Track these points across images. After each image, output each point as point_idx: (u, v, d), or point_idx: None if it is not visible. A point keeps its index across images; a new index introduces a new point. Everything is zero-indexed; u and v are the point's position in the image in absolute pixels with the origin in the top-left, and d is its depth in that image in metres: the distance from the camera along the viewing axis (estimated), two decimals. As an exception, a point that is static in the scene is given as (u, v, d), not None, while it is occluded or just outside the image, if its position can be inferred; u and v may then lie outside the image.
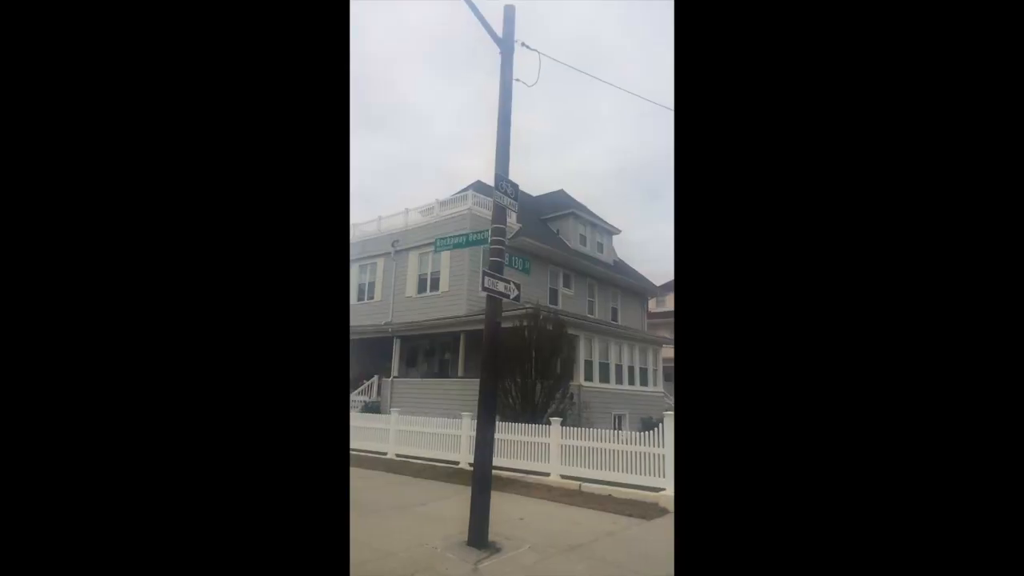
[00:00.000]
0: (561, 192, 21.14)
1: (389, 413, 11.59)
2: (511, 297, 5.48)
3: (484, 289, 5.17)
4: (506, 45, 5.90)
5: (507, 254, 5.67)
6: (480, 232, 5.81)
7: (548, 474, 8.37)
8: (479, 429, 5.28)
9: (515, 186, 5.68)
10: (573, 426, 8.99)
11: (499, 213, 5.52)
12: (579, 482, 7.92)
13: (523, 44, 6.13)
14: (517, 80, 5.88)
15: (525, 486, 7.98)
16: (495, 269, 5.38)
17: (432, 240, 15.74)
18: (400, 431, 10.88)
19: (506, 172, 5.60)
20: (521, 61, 6.02)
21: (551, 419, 8.83)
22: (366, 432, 11.46)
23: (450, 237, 6.08)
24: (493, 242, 5.47)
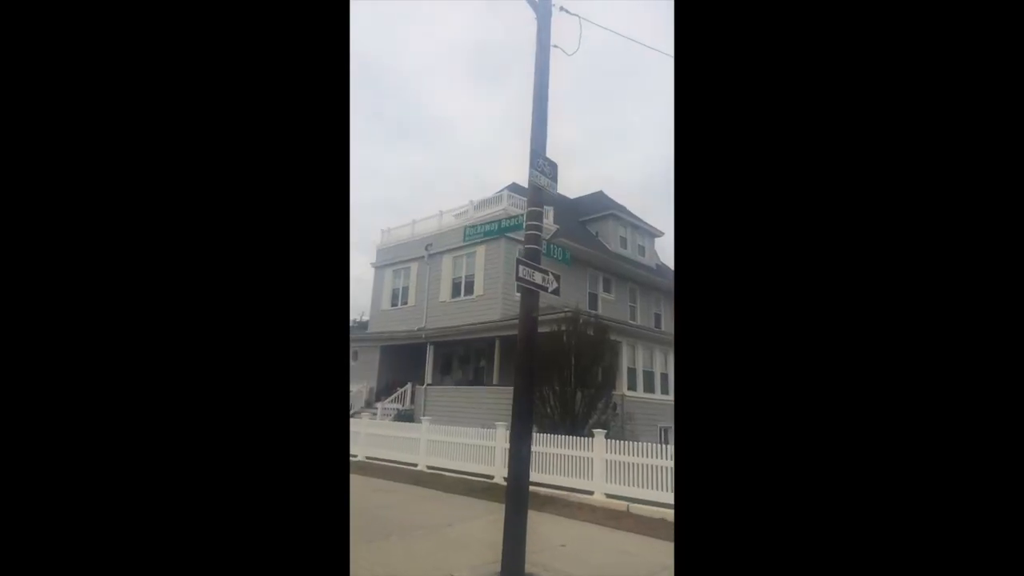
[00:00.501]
0: (600, 193, 20.32)
1: (422, 422, 11.01)
2: (550, 290, 4.77)
3: (519, 280, 4.49)
4: (543, 7, 5.25)
5: (545, 242, 4.97)
6: (514, 217, 5.14)
7: (592, 492, 7.55)
8: (513, 441, 4.58)
9: (553, 165, 5.00)
10: (617, 439, 8.13)
11: (535, 195, 4.84)
12: (627, 502, 7.08)
13: (562, 8, 5.48)
14: (555, 47, 5.21)
15: (566, 505, 7.19)
16: (531, 258, 4.70)
17: (467, 242, 15.56)
18: (431, 441, 10.26)
19: (543, 148, 4.92)
20: (558, 66, 5.36)
21: (594, 431, 8.01)
22: (396, 442, 10.91)
23: (481, 225, 5.42)
24: (528, 227, 4.78)
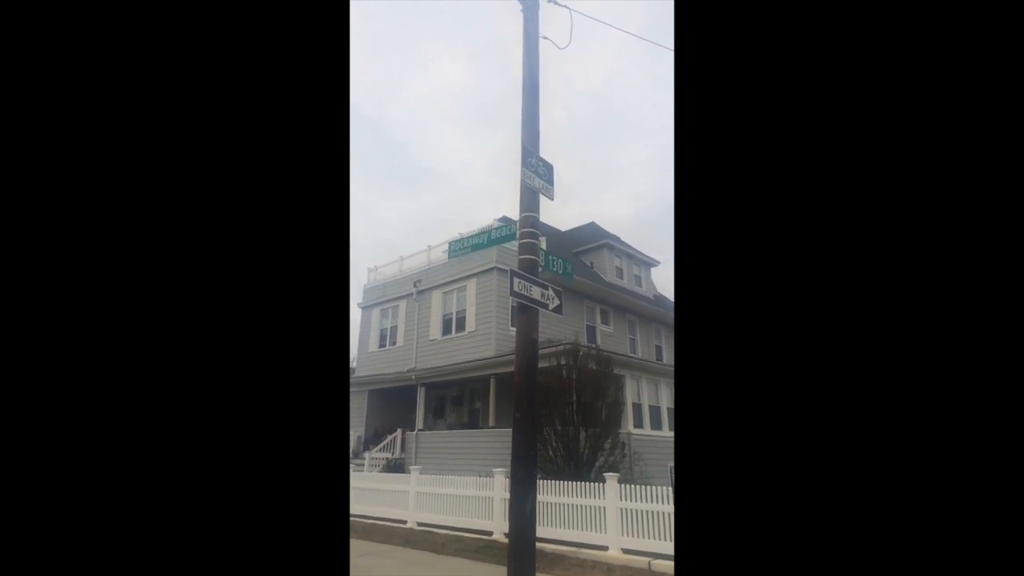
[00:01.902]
0: (592, 224, 19.87)
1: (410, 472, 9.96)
2: (551, 307, 4.04)
3: (513, 294, 3.75)
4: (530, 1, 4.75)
5: (542, 252, 4.26)
6: (505, 227, 4.43)
7: (606, 547, 6.56)
8: (514, 491, 3.74)
9: (548, 166, 4.35)
10: (627, 483, 7.18)
11: (529, 198, 4.17)
12: (647, 558, 6.11)
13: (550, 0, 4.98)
14: (544, 38, 4.67)
15: (578, 565, 6.19)
16: (527, 270, 3.97)
17: (456, 277, 14.87)
18: (421, 494, 9.20)
19: (535, 147, 4.29)
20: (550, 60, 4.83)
21: (605, 475, 7.08)
22: (382, 496, 9.82)
23: (468, 238, 4.69)
24: (522, 235, 4.09)
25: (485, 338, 13.43)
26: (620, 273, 17.73)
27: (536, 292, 3.90)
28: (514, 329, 3.96)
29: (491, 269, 13.61)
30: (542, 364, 8.88)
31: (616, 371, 11.31)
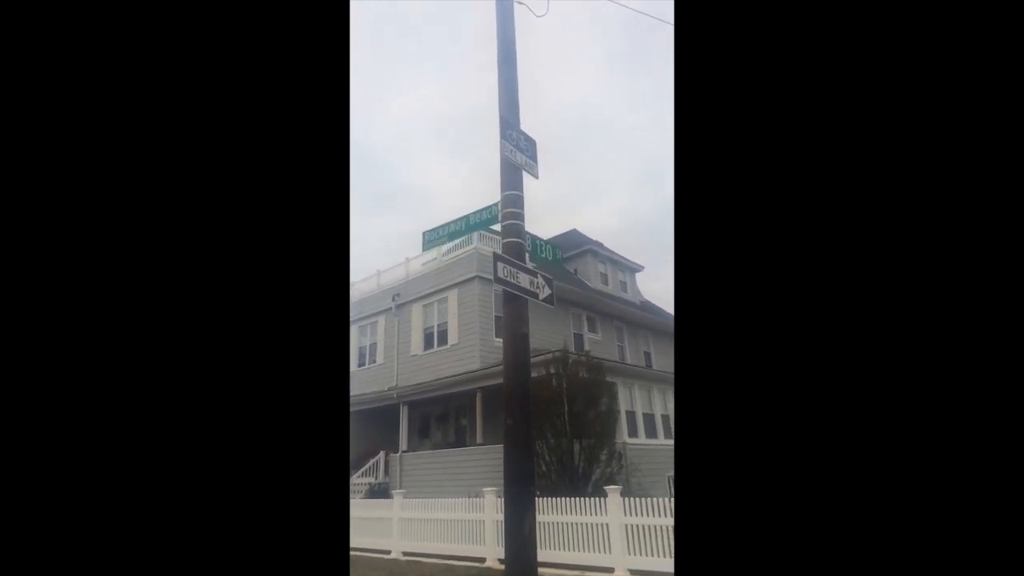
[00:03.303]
0: (574, 231, 19.50)
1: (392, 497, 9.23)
2: (541, 296, 3.51)
3: (497, 280, 3.22)
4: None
5: (528, 236, 3.74)
6: (485, 209, 3.90)
7: (612, 570, 5.96)
8: (508, 509, 3.17)
9: (531, 141, 3.86)
10: (625, 496, 6.59)
11: (510, 175, 3.67)
12: (658, 580, 5.54)
13: (523, -34, 4.55)
14: (520, 2, 4.21)
15: (581, 592, 5.59)
16: (512, 255, 3.45)
17: (436, 288, 14.26)
18: (406, 520, 8.48)
19: (516, 120, 3.80)
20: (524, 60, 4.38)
21: (606, 488, 6.50)
22: (363, 525, 9.05)
23: (444, 226, 4.13)
24: (505, 216, 3.58)
25: (469, 351, 12.82)
26: (605, 279, 17.33)
27: (524, 279, 3.39)
28: (500, 340, 3.43)
29: (473, 278, 13.06)
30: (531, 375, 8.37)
31: (608, 378, 10.80)
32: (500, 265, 3.25)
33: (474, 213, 3.87)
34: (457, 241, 14.47)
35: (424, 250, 3.84)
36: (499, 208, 3.66)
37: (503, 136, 3.54)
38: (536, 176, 3.77)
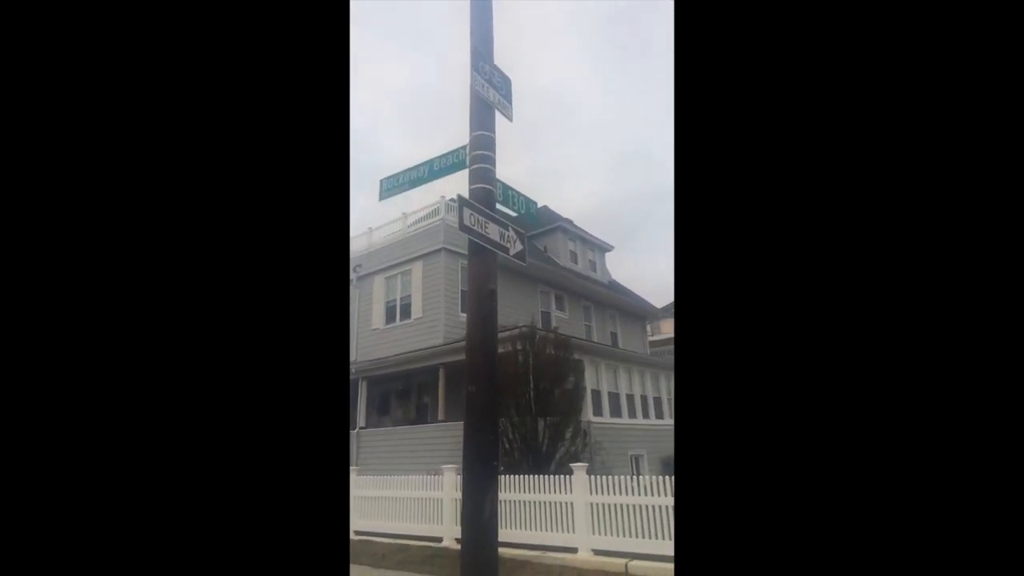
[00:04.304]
0: (544, 208, 19.08)
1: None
2: (511, 252, 3.12)
3: (463, 228, 2.80)
4: None
5: (499, 183, 3.33)
6: (451, 153, 3.44)
7: (575, 549, 5.74)
8: (468, 486, 2.82)
9: (506, 79, 3.42)
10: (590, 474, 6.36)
11: (482, 113, 3.23)
12: (623, 559, 5.33)
13: None
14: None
15: (544, 572, 5.34)
16: (481, 203, 3.03)
17: (401, 259, 13.66)
18: (359, 498, 8.08)
19: (489, 53, 3.34)
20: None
21: (572, 465, 6.25)
22: (316, 502, 8.61)
23: (403, 172, 3.64)
24: (474, 159, 3.15)
25: (433, 325, 12.37)
26: (574, 257, 17.08)
27: (493, 231, 2.99)
28: (464, 316, 3.01)
29: (439, 250, 12.55)
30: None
31: (575, 356, 10.58)
32: (467, 212, 2.83)
33: (439, 157, 3.39)
34: (421, 209, 13.90)
35: (381, 199, 3.36)
36: (467, 152, 3.22)
37: (474, 68, 3.09)
38: (510, 118, 3.34)
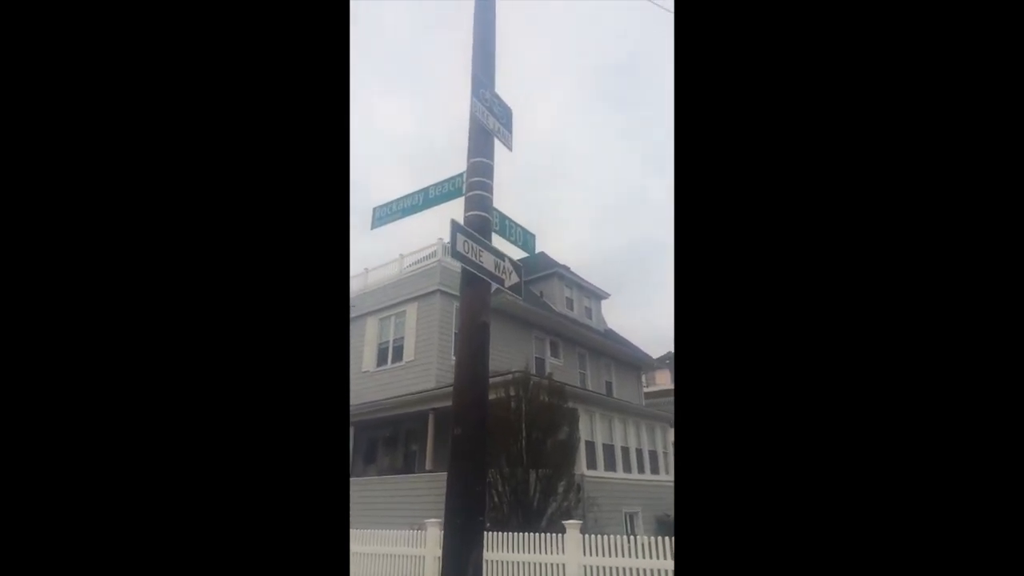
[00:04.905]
0: (542, 254, 19.09)
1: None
2: (507, 284, 2.93)
3: (456, 256, 2.63)
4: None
5: (496, 213, 3.18)
6: (448, 181, 3.31)
7: (566, 618, 5.26)
8: (449, 543, 2.51)
9: (507, 109, 3.34)
10: (583, 532, 5.91)
11: (480, 140, 3.12)
12: (618, 631, 4.86)
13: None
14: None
15: (530, 644, 4.85)
16: (477, 230, 2.87)
17: (395, 301, 13.43)
18: (337, 553, 7.52)
19: (490, 80, 3.28)
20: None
21: (565, 523, 5.83)
22: (289, 556, 8.01)
23: (397, 200, 3.49)
24: (471, 186, 3.01)
25: (424, 369, 12.03)
26: (570, 304, 16.91)
27: (488, 260, 2.81)
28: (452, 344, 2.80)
29: (434, 291, 12.38)
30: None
31: (570, 404, 10.21)
32: (460, 238, 2.66)
33: (434, 185, 3.27)
34: (419, 250, 13.81)
35: (373, 227, 3.20)
36: (464, 180, 3.09)
37: (474, 94, 3.01)
38: (509, 148, 3.24)
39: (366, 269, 14.57)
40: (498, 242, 3.20)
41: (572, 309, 16.83)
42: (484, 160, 3.06)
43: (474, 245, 2.74)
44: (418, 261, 13.71)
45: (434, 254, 13.20)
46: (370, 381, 12.98)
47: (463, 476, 2.53)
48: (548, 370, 13.89)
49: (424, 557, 6.62)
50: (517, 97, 3.46)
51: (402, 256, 14.03)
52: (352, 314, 13.84)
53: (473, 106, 3.01)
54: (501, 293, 9.12)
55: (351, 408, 12.44)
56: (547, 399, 9.16)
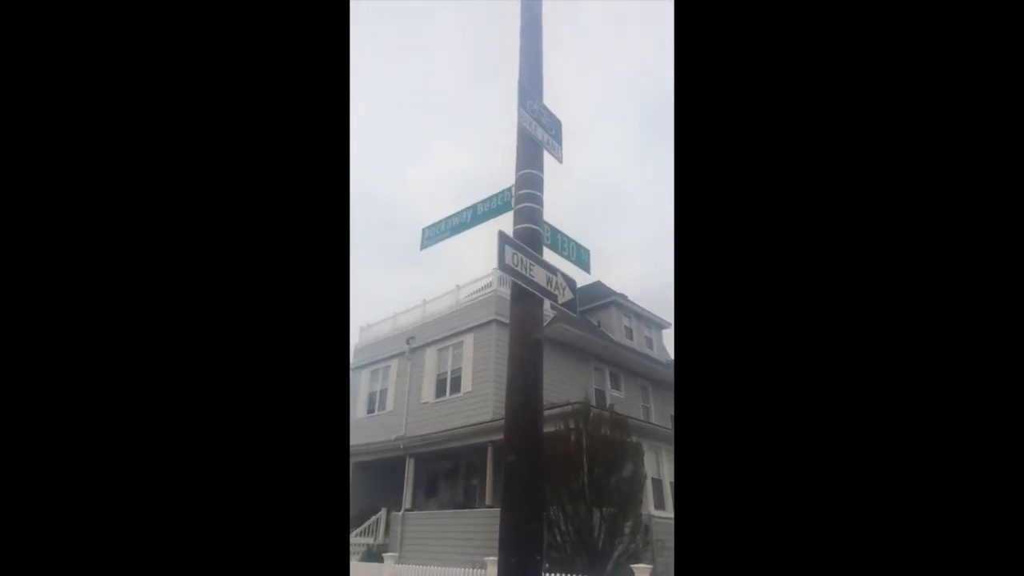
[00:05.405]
0: (598, 283, 18.71)
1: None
2: (560, 300, 2.74)
3: (504, 269, 2.48)
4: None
5: (547, 226, 3.02)
6: (496, 195, 3.20)
7: (637, 676, 4.75)
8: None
9: (556, 121, 3.23)
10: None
11: (529, 151, 3.01)
12: None
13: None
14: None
15: None
16: (527, 242, 2.72)
17: (453, 331, 13.45)
18: (394, 589, 7.33)
19: (538, 91, 3.19)
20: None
21: (634, 567, 5.36)
22: (348, 592, 7.89)
23: (443, 220, 3.42)
24: (520, 198, 2.88)
25: (482, 400, 11.86)
26: (630, 333, 16.34)
27: (539, 275, 2.64)
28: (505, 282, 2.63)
29: (491, 321, 12.32)
30: (545, 429, 7.36)
31: (633, 439, 9.67)
32: (508, 250, 2.52)
33: (482, 201, 3.17)
34: (475, 280, 13.87)
35: (422, 248, 3.16)
36: (512, 193, 2.97)
37: (521, 105, 2.92)
38: (560, 160, 3.11)
39: (424, 301, 14.78)
40: (550, 258, 3.03)
41: (632, 339, 16.24)
42: (533, 171, 2.94)
43: (524, 258, 2.59)
44: (474, 292, 13.76)
45: (489, 284, 13.20)
46: (430, 412, 12.95)
47: (518, 509, 2.31)
48: (609, 402, 13.36)
49: (483, 598, 6.29)
50: (568, 128, 3.35)
51: (458, 287, 14.15)
52: (411, 345, 13.99)
53: (520, 117, 2.92)
54: (555, 323, 8.87)
55: (412, 439, 12.43)
56: (609, 432, 8.71)
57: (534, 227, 2.78)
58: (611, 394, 14.29)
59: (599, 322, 16.06)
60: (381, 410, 14.44)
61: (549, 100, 3.17)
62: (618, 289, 17.68)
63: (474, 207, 3.22)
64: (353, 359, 15.99)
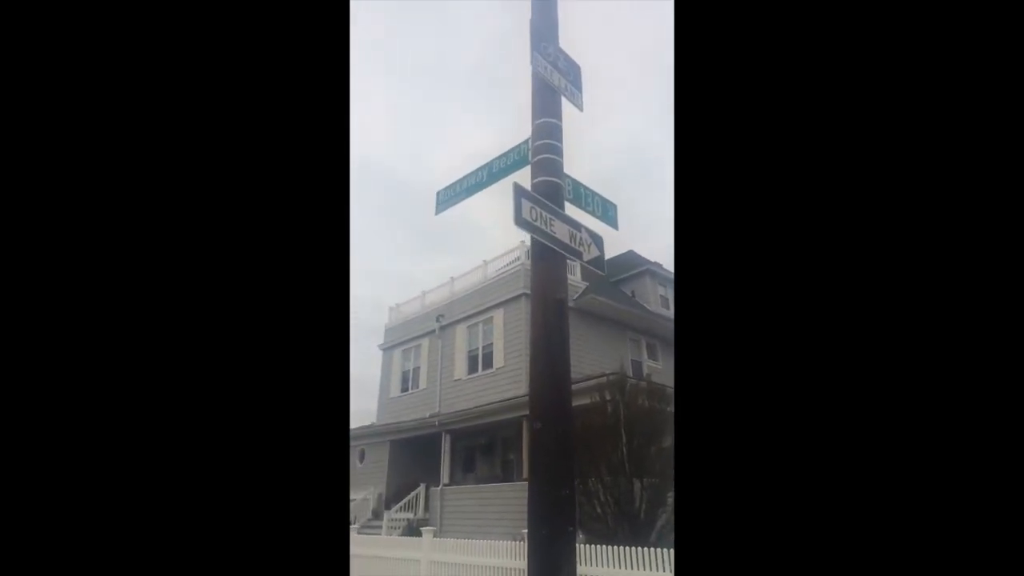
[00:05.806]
0: (631, 252, 18.26)
1: (435, 533, 8.17)
2: (585, 258, 2.52)
3: (521, 224, 2.27)
4: None
5: (569, 179, 2.78)
6: (512, 150, 2.96)
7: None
8: (534, 557, 2.13)
9: (574, 65, 2.95)
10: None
11: (545, 98, 2.75)
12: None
13: None
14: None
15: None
16: (546, 196, 2.49)
17: (481, 307, 13.36)
18: (435, 563, 7.38)
19: (553, 35, 2.91)
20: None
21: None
22: (391, 566, 8.01)
23: (458, 181, 3.20)
24: (537, 150, 2.65)
25: (515, 374, 11.79)
26: (665, 302, 15.92)
27: (562, 231, 2.42)
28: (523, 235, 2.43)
29: (519, 296, 12.15)
30: (580, 401, 7.19)
31: (671, 409, 9.42)
32: (526, 204, 2.29)
33: (498, 158, 2.94)
34: (502, 255, 13.67)
35: (438, 212, 2.97)
36: (529, 145, 2.74)
37: (535, 49, 2.66)
38: (580, 107, 2.84)
39: (451, 278, 14.72)
40: (574, 214, 2.80)
41: (668, 308, 15.83)
42: (551, 120, 2.69)
43: (543, 212, 2.37)
44: (502, 267, 13.59)
45: (517, 258, 12.99)
46: (462, 389, 12.98)
47: (546, 479, 2.15)
48: (646, 372, 13.09)
49: (524, 571, 6.26)
50: (596, 98, 3.06)
51: (485, 263, 13.99)
52: (441, 323, 13.99)
53: (534, 61, 2.65)
54: (587, 294, 8.58)
55: (447, 416, 12.52)
56: (647, 403, 8.48)
57: (554, 179, 2.54)
58: (648, 364, 14.01)
59: (633, 292, 15.70)
60: (415, 388, 14.58)
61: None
62: (652, 259, 17.21)
63: (489, 164, 2.99)
64: (384, 338, 16.14)
